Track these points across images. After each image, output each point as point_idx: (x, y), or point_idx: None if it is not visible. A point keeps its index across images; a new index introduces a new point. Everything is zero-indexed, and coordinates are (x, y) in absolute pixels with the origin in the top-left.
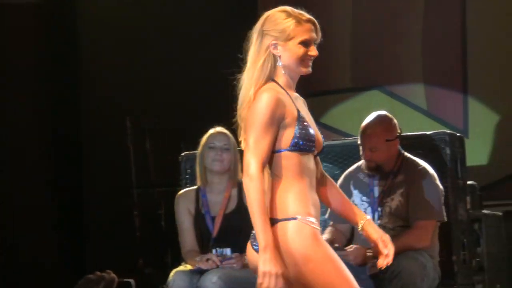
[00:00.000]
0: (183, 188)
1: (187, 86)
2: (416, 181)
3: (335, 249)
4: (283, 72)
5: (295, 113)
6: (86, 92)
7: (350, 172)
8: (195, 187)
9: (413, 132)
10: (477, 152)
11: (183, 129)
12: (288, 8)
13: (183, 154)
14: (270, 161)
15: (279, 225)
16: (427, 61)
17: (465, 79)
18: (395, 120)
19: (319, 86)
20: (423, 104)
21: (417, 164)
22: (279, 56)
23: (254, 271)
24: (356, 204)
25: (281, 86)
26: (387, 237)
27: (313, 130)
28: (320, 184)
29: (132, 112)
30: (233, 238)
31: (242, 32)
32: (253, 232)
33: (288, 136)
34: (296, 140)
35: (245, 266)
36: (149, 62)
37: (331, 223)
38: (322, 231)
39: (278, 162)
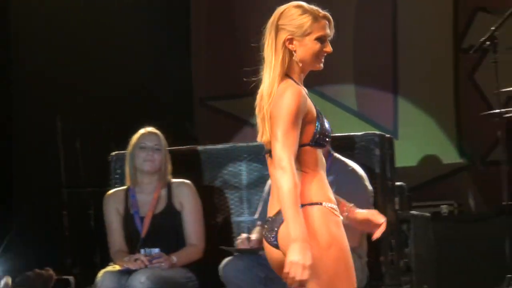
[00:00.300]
0: (112, 188)
1: (118, 86)
2: (346, 182)
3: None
4: (298, 67)
5: (315, 108)
6: (16, 90)
7: None
8: (124, 187)
9: (343, 133)
10: (406, 153)
11: (113, 129)
12: (303, 3)
13: (113, 154)
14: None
15: (304, 209)
16: (357, 62)
17: (395, 80)
18: None
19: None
20: (353, 105)
21: (346, 165)
22: (294, 51)
23: (272, 266)
24: None
25: (295, 81)
26: (375, 210)
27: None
28: None
29: (62, 111)
30: (162, 239)
31: (172, 34)
32: (267, 224)
33: (309, 131)
34: (317, 135)
35: (173, 266)
36: (80, 61)
37: (259, 222)
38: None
39: (299, 156)
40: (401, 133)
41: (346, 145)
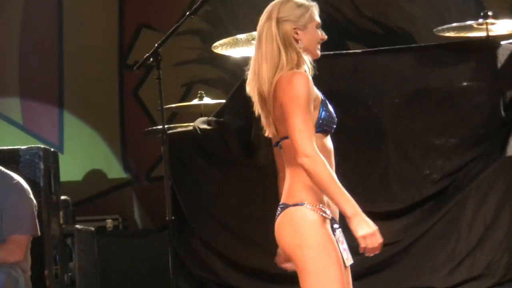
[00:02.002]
0: None
1: None
2: (10, 195)
3: None
4: (304, 55)
5: (320, 94)
6: None
7: None
8: None
9: (8, 146)
10: (72, 168)
11: None
12: None
13: None
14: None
15: (288, 210)
16: (23, 75)
17: (61, 94)
18: None
19: None
20: (19, 118)
21: (11, 178)
22: (300, 41)
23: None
24: None
25: (305, 69)
26: None
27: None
28: None
29: None
30: None
31: None
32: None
33: (315, 117)
34: (321, 121)
35: None
36: None
37: None
38: None
39: None
40: (66, 147)
41: (10, 159)
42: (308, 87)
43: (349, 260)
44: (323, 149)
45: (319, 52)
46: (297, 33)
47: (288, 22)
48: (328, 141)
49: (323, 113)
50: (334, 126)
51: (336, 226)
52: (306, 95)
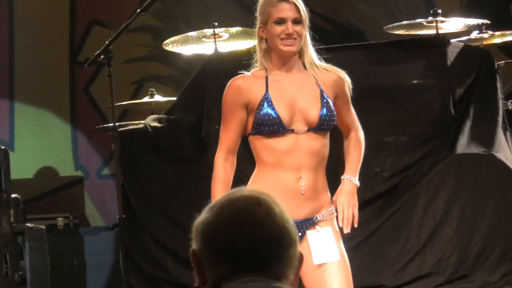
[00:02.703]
0: None
1: None
2: None
3: None
4: (275, 54)
5: (260, 96)
6: None
7: None
8: None
9: None
10: (23, 166)
11: None
12: None
13: None
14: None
15: None
16: None
17: (12, 91)
18: None
19: None
20: None
21: None
22: (266, 38)
23: None
24: None
25: (265, 69)
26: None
27: (281, 109)
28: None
29: None
30: None
31: None
32: None
33: (251, 120)
34: (255, 123)
35: None
36: None
37: None
38: None
39: (251, 146)
40: (17, 145)
41: None
42: (231, 96)
43: (317, 260)
44: (269, 150)
45: (284, 48)
46: (262, 31)
47: (258, 20)
48: (285, 141)
49: (258, 115)
50: (278, 126)
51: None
52: (228, 105)
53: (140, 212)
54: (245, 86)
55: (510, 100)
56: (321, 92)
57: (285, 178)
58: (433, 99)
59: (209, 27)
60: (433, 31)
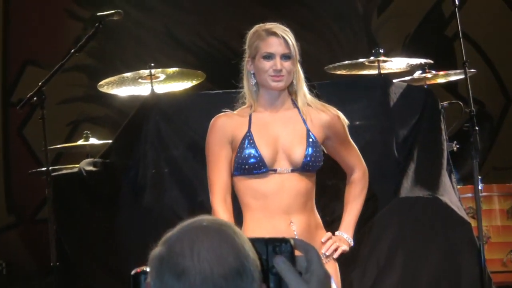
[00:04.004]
0: None
1: None
2: None
3: None
4: (260, 88)
5: (243, 134)
6: None
7: None
8: None
9: None
10: None
11: None
12: (264, 24)
13: None
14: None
15: None
16: None
17: None
18: None
19: None
20: None
21: None
22: (253, 73)
23: None
24: None
25: (250, 106)
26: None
27: (263, 148)
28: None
29: None
30: None
31: None
32: None
33: (233, 160)
34: (237, 163)
35: None
36: None
37: None
38: None
39: (236, 188)
40: None
41: None
42: (215, 135)
43: None
44: (253, 192)
45: (272, 84)
46: (250, 65)
47: (246, 53)
48: (271, 182)
49: (239, 154)
50: (260, 166)
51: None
52: (213, 145)
53: (75, 260)
54: (228, 123)
55: (455, 141)
56: (308, 131)
57: (275, 225)
58: (376, 141)
59: (145, 68)
60: (375, 71)
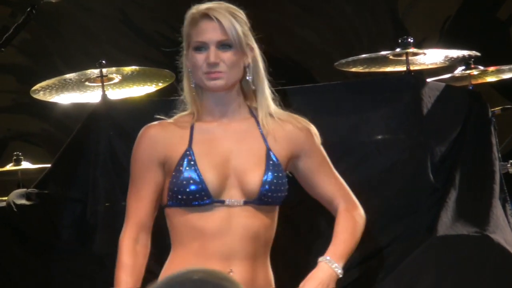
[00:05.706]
0: None
1: None
2: None
3: None
4: (203, 91)
5: (181, 152)
6: None
7: None
8: None
9: None
10: None
11: None
12: (202, 3)
13: None
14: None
15: None
16: None
17: None
18: None
19: None
20: None
21: None
22: (190, 70)
23: None
24: None
25: (193, 114)
26: None
27: (208, 171)
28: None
29: None
30: None
31: None
32: None
33: (167, 185)
34: (171, 190)
35: None
36: None
37: None
38: None
39: (168, 222)
40: None
41: None
42: (142, 150)
43: None
44: (190, 229)
45: (207, 83)
46: (187, 59)
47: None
48: (208, 216)
49: (175, 179)
50: (202, 195)
51: None
52: (139, 163)
53: None
54: (162, 136)
55: (511, 161)
56: (268, 150)
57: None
58: (404, 161)
59: (94, 67)
60: (403, 68)
